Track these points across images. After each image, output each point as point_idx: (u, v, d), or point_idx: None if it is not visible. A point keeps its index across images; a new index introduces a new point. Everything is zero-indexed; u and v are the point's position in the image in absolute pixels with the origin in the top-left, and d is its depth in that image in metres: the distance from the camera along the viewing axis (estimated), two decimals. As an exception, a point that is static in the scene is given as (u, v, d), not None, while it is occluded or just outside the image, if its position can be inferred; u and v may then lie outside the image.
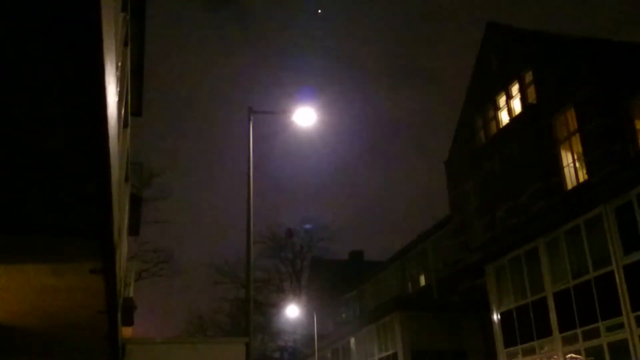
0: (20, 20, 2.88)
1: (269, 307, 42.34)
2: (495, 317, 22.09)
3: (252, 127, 14.42)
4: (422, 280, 33.18)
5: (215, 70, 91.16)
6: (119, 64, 5.78)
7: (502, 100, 25.68)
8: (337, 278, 42.44)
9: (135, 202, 19.23)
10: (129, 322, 15.49)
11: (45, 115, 3.50)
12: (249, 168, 13.91)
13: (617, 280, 17.08)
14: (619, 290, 16.94)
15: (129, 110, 11.01)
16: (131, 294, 17.64)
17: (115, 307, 7.05)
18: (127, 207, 13.80)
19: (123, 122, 7.45)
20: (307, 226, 44.47)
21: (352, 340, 29.31)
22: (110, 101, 3.64)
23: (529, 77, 24.17)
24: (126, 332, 15.61)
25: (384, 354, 27.35)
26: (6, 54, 3.10)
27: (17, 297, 6.80)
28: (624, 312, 16.68)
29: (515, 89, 24.91)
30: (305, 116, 14.60)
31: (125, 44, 8.80)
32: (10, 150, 3.93)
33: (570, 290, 18.87)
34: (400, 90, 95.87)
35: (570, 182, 21.81)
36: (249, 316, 12.84)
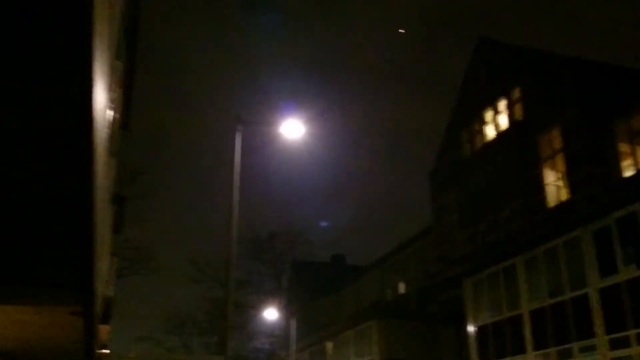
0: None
1: (248, 309, 42.31)
2: (471, 330, 22.30)
3: (239, 135, 14.39)
4: (402, 288, 33.36)
5: (209, 70, 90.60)
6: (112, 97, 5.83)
7: (489, 115, 25.84)
8: (318, 281, 42.56)
9: (118, 201, 19.15)
10: (105, 320, 15.41)
11: (34, 177, 3.64)
12: (233, 177, 13.89)
13: (592, 303, 17.34)
14: (594, 313, 17.20)
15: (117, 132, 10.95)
16: (111, 293, 17.54)
17: (91, 337, 7.14)
18: (110, 224, 13.73)
19: (111, 152, 7.48)
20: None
21: (330, 345, 29.41)
22: (99, 170, 3.72)
23: (516, 93, 24.33)
24: (103, 329, 15.54)
25: (360, 361, 27.53)
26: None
27: None
28: (597, 335, 16.94)
29: (502, 104, 25.07)
30: (292, 128, 14.50)
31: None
32: (7, 217, 4.13)
33: (546, 309, 19.11)
34: (396, 98, 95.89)
35: (552, 200, 22.01)
36: (225, 333, 12.80)
